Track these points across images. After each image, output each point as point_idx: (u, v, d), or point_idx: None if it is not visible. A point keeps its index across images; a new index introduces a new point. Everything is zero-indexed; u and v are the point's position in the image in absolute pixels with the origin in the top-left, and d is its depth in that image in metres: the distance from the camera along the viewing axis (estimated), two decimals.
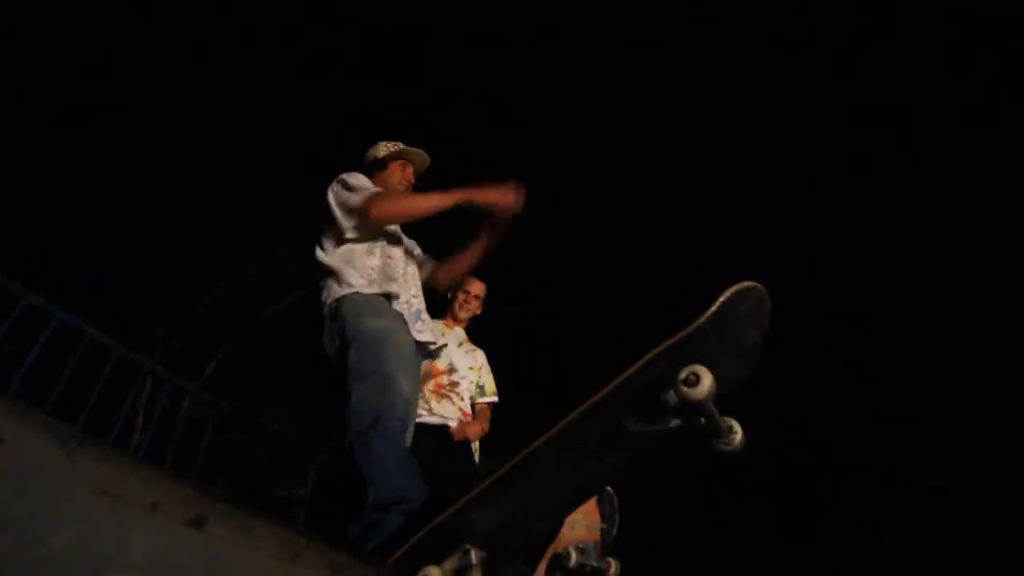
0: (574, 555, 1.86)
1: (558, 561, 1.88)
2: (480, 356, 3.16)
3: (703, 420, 1.33)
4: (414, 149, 2.56)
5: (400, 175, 2.49)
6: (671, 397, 1.33)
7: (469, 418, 2.94)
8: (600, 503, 2.34)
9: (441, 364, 2.95)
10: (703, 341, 1.33)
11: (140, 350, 3.97)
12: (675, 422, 1.37)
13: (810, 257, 13.79)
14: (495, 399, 3.12)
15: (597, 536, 2.25)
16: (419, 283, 2.31)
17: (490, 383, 3.13)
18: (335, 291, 2.07)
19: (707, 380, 1.27)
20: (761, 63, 12.99)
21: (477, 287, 3.15)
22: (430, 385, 2.88)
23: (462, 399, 2.95)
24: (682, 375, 1.29)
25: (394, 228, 2.30)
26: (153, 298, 8.45)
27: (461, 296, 3.13)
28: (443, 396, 2.89)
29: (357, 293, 2.04)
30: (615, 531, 2.35)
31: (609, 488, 2.30)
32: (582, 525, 2.14)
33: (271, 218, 9.50)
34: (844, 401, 12.94)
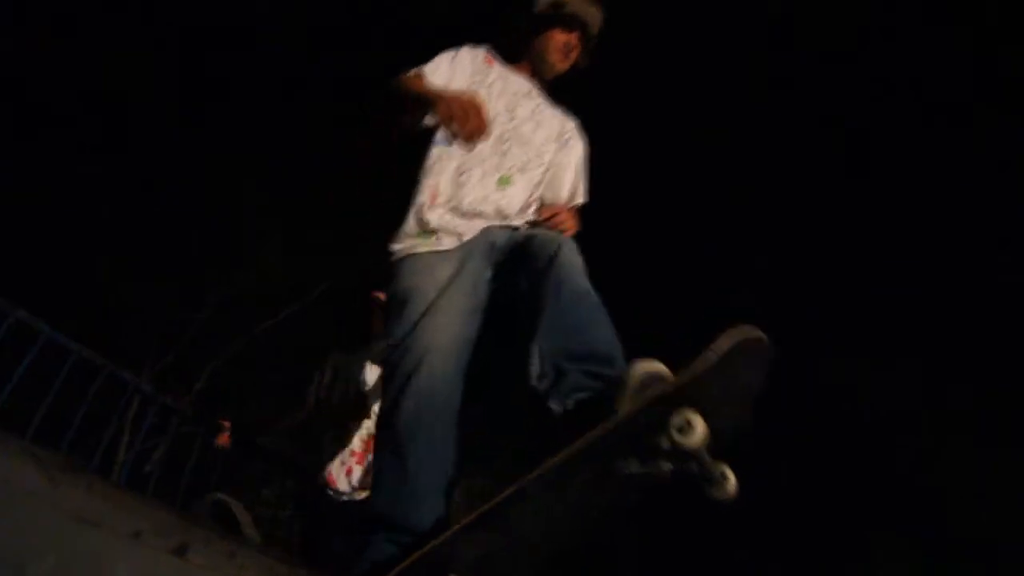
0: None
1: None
2: None
3: (695, 466, 1.29)
4: None
5: (560, 40, 1.71)
6: (663, 441, 1.27)
7: None
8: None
9: None
10: (701, 389, 1.29)
11: (128, 366, 3.94)
12: (667, 466, 1.32)
13: (807, 262, 13.88)
14: None
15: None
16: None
17: None
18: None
19: (700, 428, 1.23)
20: (760, 63, 13.17)
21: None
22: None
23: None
24: (675, 422, 1.25)
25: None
26: (142, 312, 8.38)
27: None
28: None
29: (403, 255, 1.50)
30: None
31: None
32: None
33: (262, 230, 9.50)
34: (840, 405, 12.96)
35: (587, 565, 12.12)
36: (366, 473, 2.46)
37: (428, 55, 1.69)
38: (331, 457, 2.56)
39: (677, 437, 1.23)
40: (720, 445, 1.41)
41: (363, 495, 2.45)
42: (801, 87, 13.35)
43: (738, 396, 1.42)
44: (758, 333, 1.44)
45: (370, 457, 2.42)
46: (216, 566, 0.84)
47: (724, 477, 1.30)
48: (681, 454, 1.27)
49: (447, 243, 1.46)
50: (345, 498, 2.47)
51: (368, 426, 2.55)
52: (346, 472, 2.50)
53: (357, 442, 2.53)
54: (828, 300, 13.83)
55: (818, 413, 12.92)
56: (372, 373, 2.60)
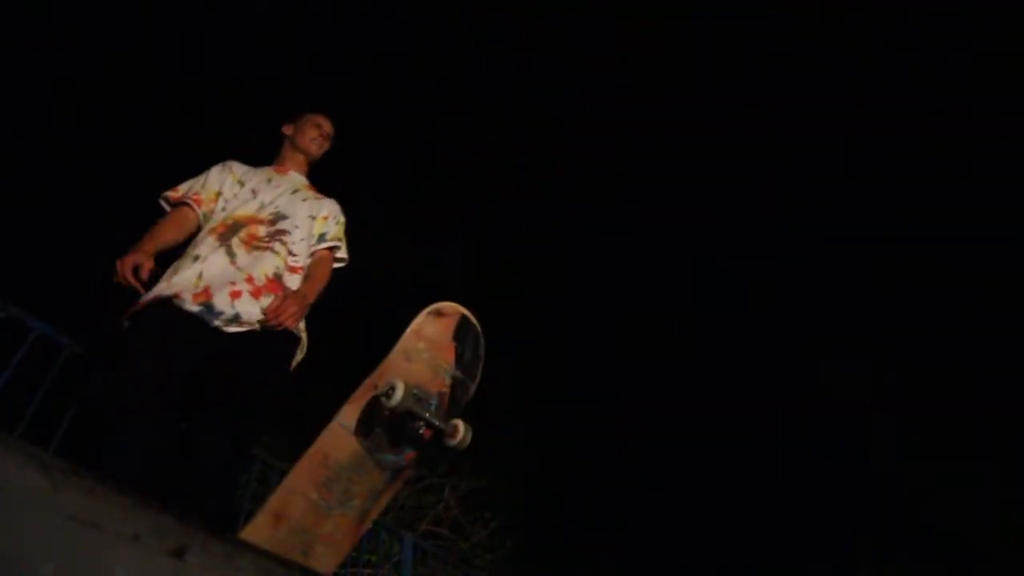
0: (400, 394, 1.51)
1: (376, 400, 1.55)
2: (330, 205, 2.37)
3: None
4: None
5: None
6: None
7: (300, 273, 2.12)
8: (456, 338, 1.73)
9: (262, 212, 2.15)
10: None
11: None
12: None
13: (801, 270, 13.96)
14: (336, 243, 2.29)
15: (445, 385, 1.68)
16: None
17: (335, 230, 2.32)
18: None
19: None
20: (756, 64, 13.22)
21: (328, 123, 2.55)
22: (241, 234, 2.06)
23: (291, 252, 2.12)
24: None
25: None
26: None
27: (312, 131, 2.47)
28: (256, 248, 2.05)
29: None
30: (474, 387, 1.77)
31: (475, 322, 1.82)
32: (424, 360, 1.66)
33: None
34: (828, 412, 13.08)
35: (574, 564, 12.18)
36: (258, 310, 1.88)
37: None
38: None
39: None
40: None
41: (239, 328, 1.84)
42: None
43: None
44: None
45: (266, 297, 1.91)
46: (214, 567, 0.86)
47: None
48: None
49: None
50: (217, 322, 1.83)
51: (279, 264, 2.04)
52: (231, 293, 1.89)
53: (260, 275, 1.97)
54: (813, 304, 13.95)
55: (801, 418, 13.04)
56: (301, 211, 2.23)
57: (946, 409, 12.02)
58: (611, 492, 13.13)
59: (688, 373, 14.83)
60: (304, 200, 2.29)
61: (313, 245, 2.24)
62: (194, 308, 1.85)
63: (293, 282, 2.08)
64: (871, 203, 14.21)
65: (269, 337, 1.88)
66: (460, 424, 1.58)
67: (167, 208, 2.28)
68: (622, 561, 12.68)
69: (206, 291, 1.89)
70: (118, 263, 1.90)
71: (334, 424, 1.60)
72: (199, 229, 2.17)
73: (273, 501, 1.53)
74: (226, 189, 2.24)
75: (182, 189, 2.27)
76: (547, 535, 11.34)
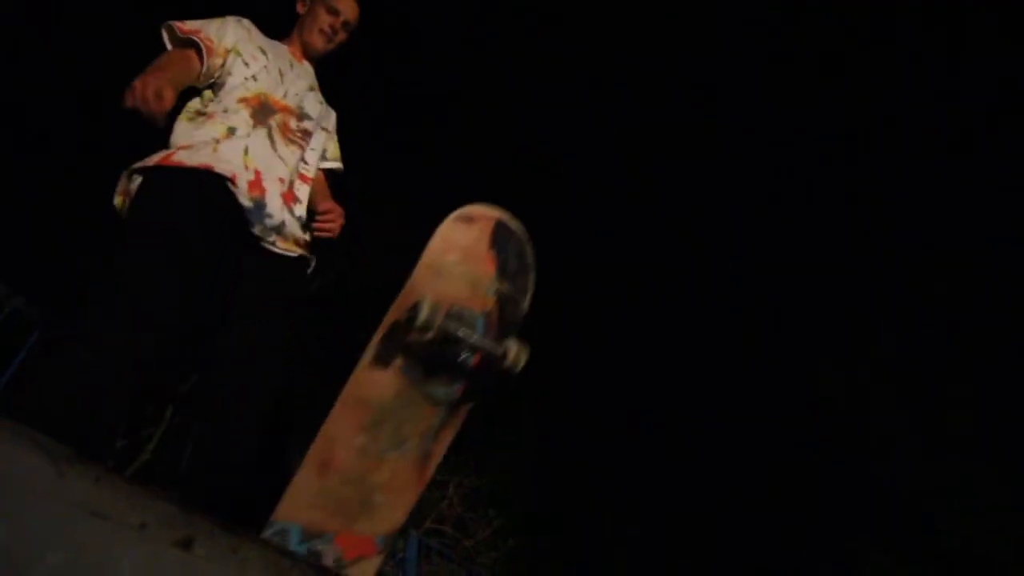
0: (425, 311, 1.26)
1: (404, 327, 1.29)
2: (334, 117, 2.09)
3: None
4: None
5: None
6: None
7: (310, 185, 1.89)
8: (494, 246, 1.42)
9: (288, 100, 1.84)
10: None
11: None
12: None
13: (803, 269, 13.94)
14: (339, 165, 2.05)
15: (489, 303, 1.40)
16: None
17: (334, 148, 2.07)
18: None
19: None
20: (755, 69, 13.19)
21: (351, 6, 2.03)
22: (275, 119, 1.77)
23: (306, 161, 1.84)
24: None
25: None
26: None
27: (328, 18, 1.99)
28: (291, 142, 1.79)
29: None
30: (526, 302, 1.49)
31: (516, 226, 1.51)
32: (459, 275, 1.35)
33: None
34: (827, 415, 13.04)
35: (578, 563, 12.20)
36: (298, 226, 1.66)
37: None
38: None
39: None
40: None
41: (275, 247, 1.59)
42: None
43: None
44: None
45: (299, 206, 1.71)
46: (219, 558, 0.85)
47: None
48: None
49: None
50: (258, 229, 1.55)
51: (310, 171, 1.83)
52: (283, 194, 1.64)
53: (306, 175, 1.76)
54: (814, 307, 13.91)
55: (801, 418, 13.02)
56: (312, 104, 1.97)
57: (947, 409, 11.98)
58: (613, 491, 13.14)
59: (689, 372, 14.84)
60: (320, 103, 1.97)
61: (318, 161, 1.94)
62: (247, 202, 1.53)
63: (305, 195, 1.82)
64: (871, 201, 14.16)
65: (301, 267, 1.62)
66: (512, 343, 1.33)
67: (167, 43, 1.74)
68: (624, 559, 12.68)
69: (258, 181, 1.57)
70: (135, 84, 1.40)
71: (363, 362, 1.34)
72: (200, 89, 1.76)
73: (315, 450, 1.30)
74: (245, 50, 1.81)
75: (191, 26, 1.75)
76: (550, 533, 11.35)
